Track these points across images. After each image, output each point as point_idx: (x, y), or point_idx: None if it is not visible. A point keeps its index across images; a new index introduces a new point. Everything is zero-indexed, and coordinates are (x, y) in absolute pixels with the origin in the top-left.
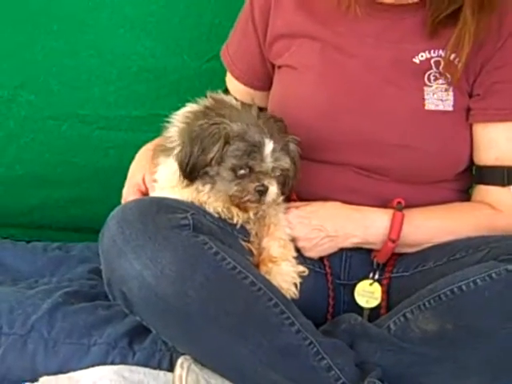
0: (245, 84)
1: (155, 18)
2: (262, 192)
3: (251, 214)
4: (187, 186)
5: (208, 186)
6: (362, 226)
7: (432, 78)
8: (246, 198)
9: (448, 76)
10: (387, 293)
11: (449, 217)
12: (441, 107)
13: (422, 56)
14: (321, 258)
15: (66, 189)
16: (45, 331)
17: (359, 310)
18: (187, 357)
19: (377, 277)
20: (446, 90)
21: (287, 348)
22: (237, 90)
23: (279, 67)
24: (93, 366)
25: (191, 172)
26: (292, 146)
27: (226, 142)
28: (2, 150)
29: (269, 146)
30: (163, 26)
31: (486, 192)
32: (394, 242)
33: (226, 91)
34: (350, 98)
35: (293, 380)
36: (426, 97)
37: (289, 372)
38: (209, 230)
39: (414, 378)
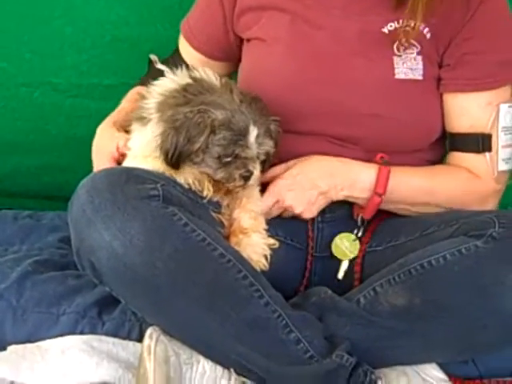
0: (203, 54)
1: None
2: (248, 177)
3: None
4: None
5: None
6: (349, 179)
7: (401, 47)
8: (232, 184)
9: (417, 45)
10: (361, 267)
11: (429, 176)
12: (410, 76)
13: (390, 26)
14: (306, 232)
15: (37, 156)
16: (13, 300)
17: (329, 282)
18: (156, 327)
19: (360, 234)
20: (416, 60)
21: (256, 320)
22: (192, 57)
23: (248, 40)
24: (62, 335)
25: (177, 160)
26: (273, 128)
27: (212, 132)
28: None
29: (253, 132)
30: None
31: (463, 158)
32: (380, 196)
33: (177, 51)
34: (319, 69)
35: (261, 353)
36: (395, 66)
37: (257, 345)
38: (179, 201)
39: (381, 351)
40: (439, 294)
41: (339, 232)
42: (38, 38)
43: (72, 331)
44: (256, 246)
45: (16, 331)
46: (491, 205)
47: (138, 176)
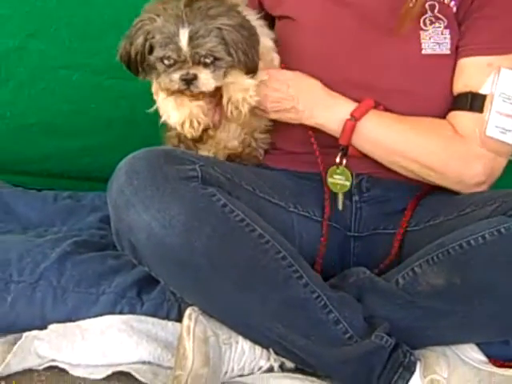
0: None
1: None
2: (189, 80)
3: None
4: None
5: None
6: (329, 112)
7: (428, 21)
8: (175, 87)
9: (443, 19)
10: (400, 247)
11: (409, 127)
12: (438, 51)
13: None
14: (322, 206)
15: (77, 138)
16: (54, 279)
17: (370, 262)
18: (195, 308)
19: (344, 161)
20: (443, 34)
21: (295, 301)
22: None
23: (279, 19)
24: (101, 315)
25: (129, 65)
26: (225, 29)
27: (146, 39)
28: (13, 98)
29: (184, 34)
30: None
31: (451, 116)
32: (355, 119)
33: None
34: (346, 47)
35: (300, 333)
36: (422, 41)
37: (296, 325)
38: (217, 181)
39: (421, 331)
40: (478, 273)
41: (376, 214)
42: (76, 20)
43: (111, 311)
44: (239, 85)
45: (56, 310)
46: (476, 171)
47: (176, 157)
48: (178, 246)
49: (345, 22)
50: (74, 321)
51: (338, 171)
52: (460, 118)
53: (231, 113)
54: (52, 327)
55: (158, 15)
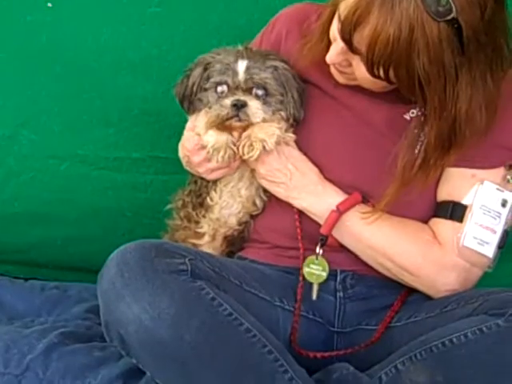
0: None
1: (157, 62)
2: (239, 107)
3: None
4: None
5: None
6: (316, 198)
7: (422, 134)
8: (225, 113)
9: None
10: (381, 340)
11: (390, 229)
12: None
13: (412, 113)
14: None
15: (63, 227)
16: (40, 371)
17: (353, 357)
18: None
19: (321, 251)
20: None
21: None
22: None
23: None
24: None
25: (182, 100)
26: (281, 68)
27: (206, 68)
28: (1, 186)
29: (242, 63)
30: (164, 70)
31: (432, 222)
32: (339, 212)
33: None
34: (345, 148)
35: None
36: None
37: None
38: (206, 275)
39: None
40: (461, 371)
41: (360, 311)
42: (67, 112)
43: None
44: (266, 128)
45: None
46: (449, 279)
47: (167, 250)
48: (167, 338)
49: (345, 122)
50: None
51: (315, 261)
52: (440, 225)
53: (243, 148)
54: None
55: (219, 53)
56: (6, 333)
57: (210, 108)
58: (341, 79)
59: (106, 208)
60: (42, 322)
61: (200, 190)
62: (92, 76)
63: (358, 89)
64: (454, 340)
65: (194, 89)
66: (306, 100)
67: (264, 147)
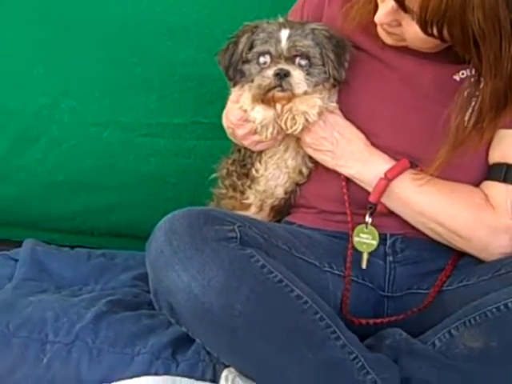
0: None
1: (197, 27)
2: (282, 76)
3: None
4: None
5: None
6: (364, 166)
7: (475, 94)
8: (267, 83)
9: None
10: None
11: (441, 193)
12: None
13: (462, 74)
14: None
15: (106, 195)
16: (89, 340)
17: (402, 323)
18: (232, 369)
19: (370, 220)
20: None
21: (332, 362)
22: None
23: None
24: (136, 376)
25: (228, 67)
26: (318, 29)
27: (252, 32)
28: (44, 155)
29: (285, 32)
30: (205, 35)
31: (485, 185)
32: (388, 180)
33: None
34: (390, 112)
35: None
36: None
37: None
38: (255, 242)
39: None
40: None
41: (410, 275)
42: (108, 78)
43: (147, 372)
44: (308, 100)
45: (92, 372)
46: (502, 242)
47: (215, 217)
48: (217, 307)
49: (391, 86)
50: (109, 382)
51: (365, 230)
52: (493, 188)
53: (285, 122)
54: None
55: (262, 23)
56: (55, 301)
57: (252, 81)
58: (388, 40)
59: (148, 175)
60: (90, 290)
61: (244, 159)
62: (132, 42)
63: (406, 50)
64: (509, 305)
65: (244, 55)
66: (349, 61)
67: (307, 120)
